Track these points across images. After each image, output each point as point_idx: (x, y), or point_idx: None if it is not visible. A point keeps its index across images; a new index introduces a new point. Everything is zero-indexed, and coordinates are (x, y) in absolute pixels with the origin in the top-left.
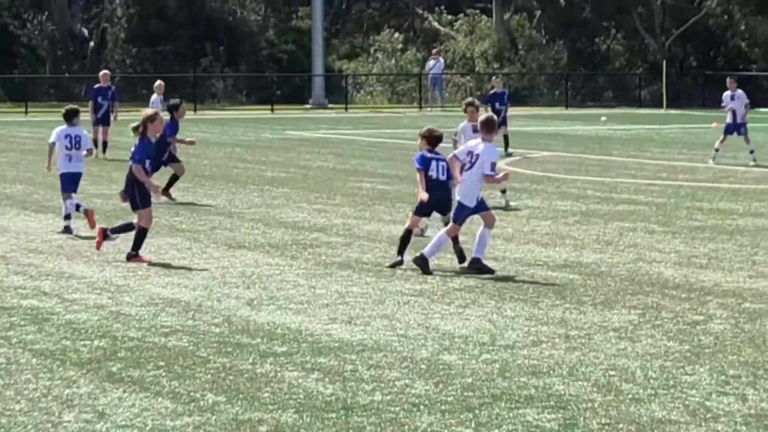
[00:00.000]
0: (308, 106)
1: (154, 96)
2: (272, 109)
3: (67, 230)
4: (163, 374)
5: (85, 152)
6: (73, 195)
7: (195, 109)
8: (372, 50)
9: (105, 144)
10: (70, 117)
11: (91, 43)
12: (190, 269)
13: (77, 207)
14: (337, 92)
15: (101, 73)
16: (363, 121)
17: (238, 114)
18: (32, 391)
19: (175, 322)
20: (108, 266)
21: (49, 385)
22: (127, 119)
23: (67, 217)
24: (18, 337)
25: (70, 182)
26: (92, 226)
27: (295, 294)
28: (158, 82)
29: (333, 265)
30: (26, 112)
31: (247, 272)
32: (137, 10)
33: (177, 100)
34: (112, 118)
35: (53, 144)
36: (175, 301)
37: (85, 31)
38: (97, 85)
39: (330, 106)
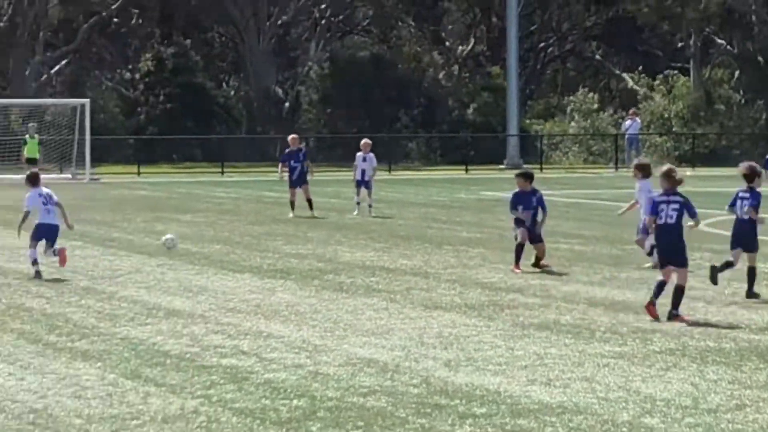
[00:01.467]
0: (503, 166)
1: (359, 154)
2: (466, 170)
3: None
4: None
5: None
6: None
7: (389, 170)
8: (567, 110)
9: (310, 202)
10: (35, 181)
11: (286, 104)
12: (387, 329)
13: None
14: (532, 152)
15: (290, 137)
16: (558, 181)
17: (433, 174)
18: None
19: (373, 382)
20: (305, 326)
21: None
22: (321, 179)
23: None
24: (218, 396)
25: (45, 233)
26: (62, 262)
27: (493, 355)
28: (364, 140)
29: (531, 326)
30: (222, 173)
31: (444, 333)
32: (331, 72)
33: None
34: (308, 177)
35: (27, 212)
36: (373, 361)
37: (280, 92)
38: (287, 149)
39: (525, 166)
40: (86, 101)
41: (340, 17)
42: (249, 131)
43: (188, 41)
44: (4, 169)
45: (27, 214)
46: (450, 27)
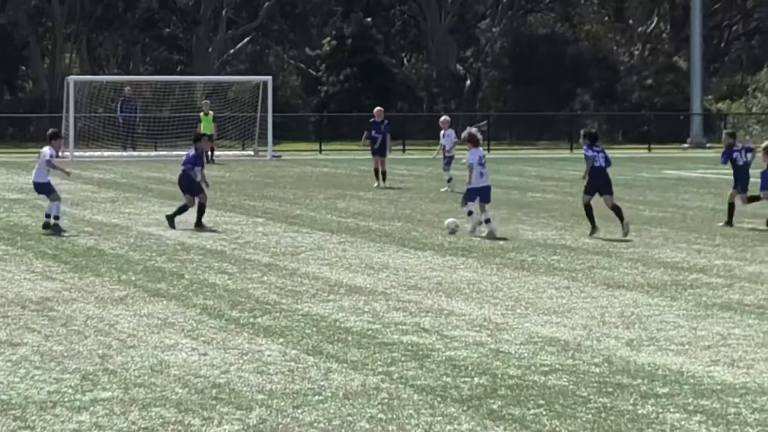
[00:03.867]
0: (686, 145)
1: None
2: (649, 149)
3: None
4: (544, 413)
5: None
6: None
7: (571, 149)
8: (751, 89)
9: (384, 173)
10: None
11: (467, 82)
12: (568, 308)
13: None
14: (716, 132)
15: (376, 109)
16: None
17: (614, 153)
18: (414, 426)
19: (554, 360)
20: (487, 304)
21: (430, 422)
22: (502, 157)
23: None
24: (399, 373)
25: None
26: None
27: (675, 335)
28: (443, 117)
29: (714, 306)
30: (404, 150)
31: (626, 312)
32: (511, 50)
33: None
34: (387, 150)
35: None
36: (555, 339)
37: (461, 69)
38: (371, 119)
39: (708, 145)
40: (268, 78)
41: None
42: (429, 109)
43: (369, 19)
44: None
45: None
46: (633, 5)
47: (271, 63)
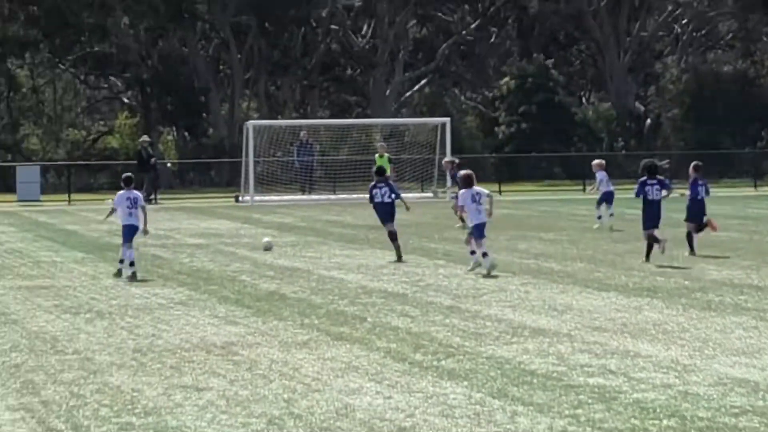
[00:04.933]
0: None
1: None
2: None
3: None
4: None
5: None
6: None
7: (755, 186)
8: None
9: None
10: (128, 183)
11: (647, 121)
12: (757, 349)
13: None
14: None
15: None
16: None
17: None
18: None
19: (744, 402)
20: (673, 345)
21: None
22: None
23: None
24: (587, 416)
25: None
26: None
27: None
28: (595, 161)
29: None
30: (584, 190)
31: None
32: (692, 88)
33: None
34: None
35: (114, 209)
36: (744, 381)
37: (641, 108)
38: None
39: None
40: (446, 120)
41: (702, 32)
42: (609, 148)
43: (547, 59)
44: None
45: (113, 210)
46: None
47: (448, 104)
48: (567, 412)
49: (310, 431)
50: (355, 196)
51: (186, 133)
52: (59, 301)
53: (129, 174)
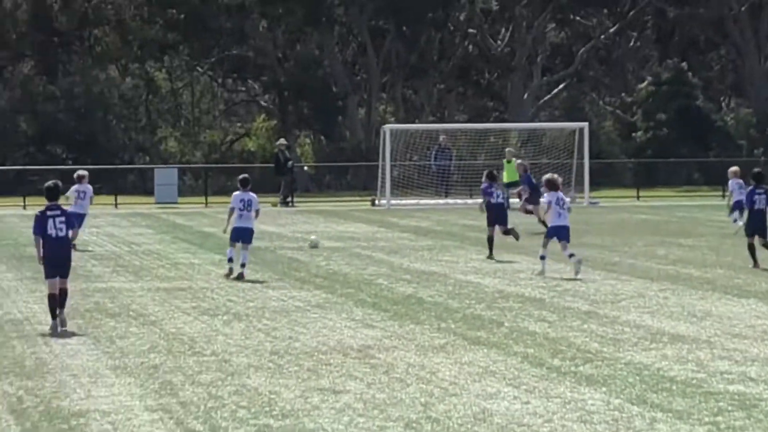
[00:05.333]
0: None
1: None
2: None
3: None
4: None
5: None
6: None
7: None
8: None
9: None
10: (244, 184)
11: None
12: None
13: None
14: None
15: None
16: None
17: None
18: None
19: None
20: None
21: None
22: None
23: (230, 260)
24: (727, 423)
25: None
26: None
27: None
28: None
29: None
30: (723, 196)
31: None
32: None
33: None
34: None
35: (232, 208)
36: None
37: None
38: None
39: None
40: (584, 125)
41: None
42: (750, 153)
43: (685, 63)
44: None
45: (231, 210)
46: None
47: (586, 109)
48: (707, 419)
49: None
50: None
51: (322, 137)
52: (197, 302)
53: (245, 175)
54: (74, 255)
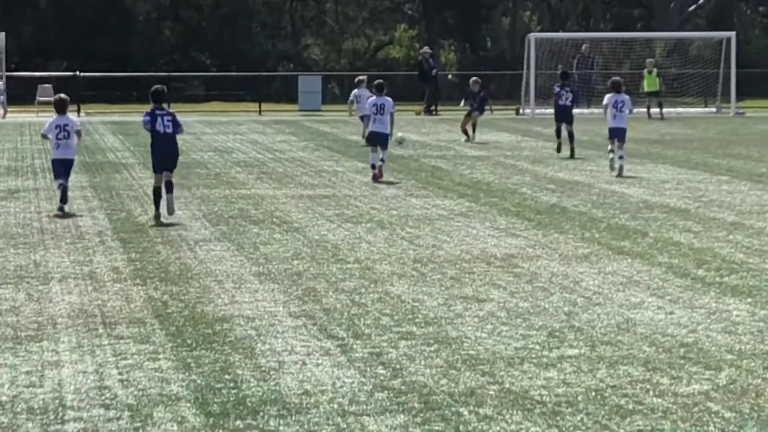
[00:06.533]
0: None
1: None
2: None
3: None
4: None
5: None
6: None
7: None
8: None
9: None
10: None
11: None
12: None
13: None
14: None
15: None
16: None
17: None
18: None
19: None
20: None
21: None
22: None
23: (372, 166)
24: None
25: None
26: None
27: None
28: None
29: None
30: None
31: None
32: None
33: None
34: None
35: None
36: None
37: None
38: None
39: None
40: (732, 34)
41: None
42: None
43: None
44: (639, 101)
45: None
46: None
47: (734, 19)
48: None
49: (591, 344)
50: (636, 110)
51: (467, 46)
52: (340, 210)
53: (381, 80)
54: (217, 161)
